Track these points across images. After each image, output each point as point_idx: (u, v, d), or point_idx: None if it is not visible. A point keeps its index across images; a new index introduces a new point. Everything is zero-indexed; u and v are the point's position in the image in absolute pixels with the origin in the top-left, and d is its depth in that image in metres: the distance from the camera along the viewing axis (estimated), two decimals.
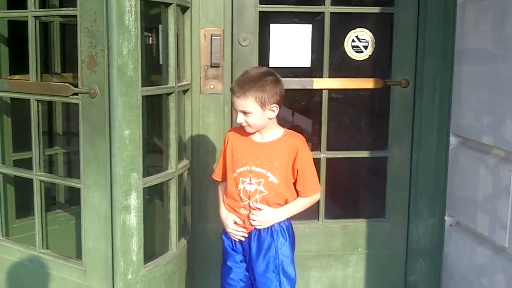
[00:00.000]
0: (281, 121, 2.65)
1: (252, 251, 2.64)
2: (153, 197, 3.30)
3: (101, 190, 2.69)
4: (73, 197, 3.62)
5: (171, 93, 2.93)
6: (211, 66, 3.22)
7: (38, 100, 2.92)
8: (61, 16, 3.65)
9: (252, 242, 2.63)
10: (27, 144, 2.98)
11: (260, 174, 2.57)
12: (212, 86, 3.23)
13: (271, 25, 3.40)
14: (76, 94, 2.72)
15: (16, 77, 3.25)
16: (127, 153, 2.63)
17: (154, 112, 3.15)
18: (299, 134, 2.65)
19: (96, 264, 2.75)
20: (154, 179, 2.86)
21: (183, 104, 3.15)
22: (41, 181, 2.95)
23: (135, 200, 2.67)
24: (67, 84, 2.81)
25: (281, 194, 2.60)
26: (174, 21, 2.91)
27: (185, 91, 3.13)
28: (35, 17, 2.89)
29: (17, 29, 3.45)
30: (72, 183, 2.88)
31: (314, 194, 2.66)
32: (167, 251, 2.99)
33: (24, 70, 3.00)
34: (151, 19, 3.43)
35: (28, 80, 2.94)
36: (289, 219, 2.68)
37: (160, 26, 3.19)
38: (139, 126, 2.66)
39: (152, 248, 3.09)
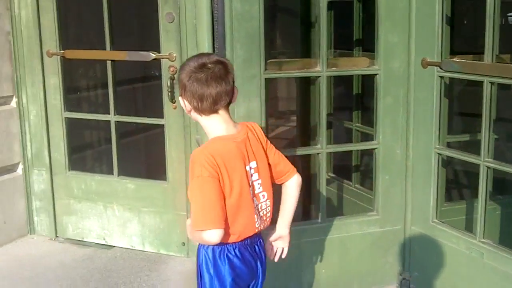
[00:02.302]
0: None
1: None
2: None
3: None
4: (501, 186, 3.42)
5: None
6: None
7: (491, 83, 2.77)
8: None
9: None
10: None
11: None
12: None
13: None
14: None
15: (466, 57, 3.14)
16: None
17: None
18: (202, 149, 2.01)
19: None
20: None
21: None
22: (487, 167, 2.81)
23: None
24: None
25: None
26: None
27: None
28: None
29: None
30: None
31: (197, 229, 1.95)
32: None
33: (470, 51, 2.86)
34: None
35: (481, 61, 2.81)
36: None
37: None
38: None
39: None
